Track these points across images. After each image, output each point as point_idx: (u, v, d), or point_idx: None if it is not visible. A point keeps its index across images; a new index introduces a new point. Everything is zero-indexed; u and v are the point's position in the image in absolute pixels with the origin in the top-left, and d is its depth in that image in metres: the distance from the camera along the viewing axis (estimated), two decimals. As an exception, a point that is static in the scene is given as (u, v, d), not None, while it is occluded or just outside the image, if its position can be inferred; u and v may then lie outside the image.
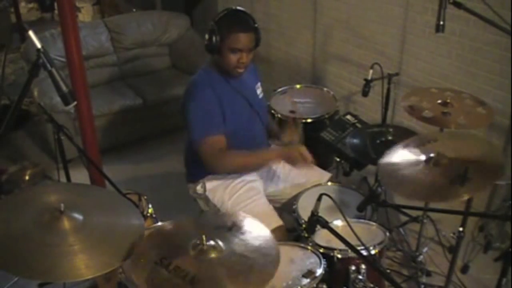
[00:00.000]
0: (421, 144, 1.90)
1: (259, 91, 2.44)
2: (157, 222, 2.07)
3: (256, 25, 2.18)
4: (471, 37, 2.89)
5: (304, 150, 2.21)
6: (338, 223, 1.96)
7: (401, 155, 1.86)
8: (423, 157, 1.79)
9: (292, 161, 2.23)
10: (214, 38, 2.13)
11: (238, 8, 2.22)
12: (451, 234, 2.68)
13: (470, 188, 1.63)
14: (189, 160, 2.41)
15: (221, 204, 2.30)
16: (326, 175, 2.51)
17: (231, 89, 2.25)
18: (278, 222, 2.22)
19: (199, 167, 2.28)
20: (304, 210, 2.18)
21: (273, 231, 1.89)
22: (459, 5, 1.94)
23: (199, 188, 2.35)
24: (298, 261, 1.83)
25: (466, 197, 1.69)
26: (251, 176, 2.38)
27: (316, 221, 1.67)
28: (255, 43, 2.18)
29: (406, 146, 1.91)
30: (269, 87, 3.43)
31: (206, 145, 2.14)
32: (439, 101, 2.33)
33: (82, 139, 2.75)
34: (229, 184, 2.32)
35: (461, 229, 2.16)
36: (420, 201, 1.73)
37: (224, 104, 2.19)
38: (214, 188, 2.33)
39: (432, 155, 1.78)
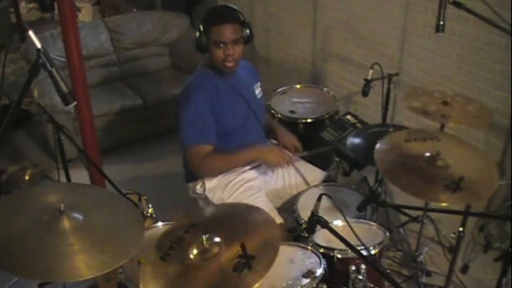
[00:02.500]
0: (423, 138, 1.94)
1: (257, 91, 2.44)
2: (157, 222, 2.07)
3: (241, 17, 2.17)
4: (471, 37, 2.89)
5: (282, 152, 2.31)
6: (338, 223, 1.96)
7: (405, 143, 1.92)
8: (424, 152, 1.82)
9: (269, 162, 2.31)
10: (201, 37, 2.15)
11: (222, 4, 2.22)
12: (451, 234, 2.67)
13: (461, 197, 1.65)
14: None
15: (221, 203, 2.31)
16: (322, 174, 2.51)
17: (227, 86, 2.26)
18: (278, 219, 2.22)
19: None
20: (304, 210, 2.18)
21: None
22: (459, 5, 1.94)
23: (198, 187, 2.35)
24: (298, 261, 1.83)
25: (455, 204, 1.71)
26: (251, 174, 2.38)
27: (316, 221, 1.67)
28: (240, 34, 2.16)
29: (410, 135, 1.96)
30: (269, 87, 3.43)
31: (192, 153, 2.22)
32: (439, 101, 2.32)
33: (82, 139, 2.74)
34: (228, 183, 2.33)
35: (461, 229, 2.15)
36: (414, 196, 1.73)
37: (218, 104, 2.20)
38: (213, 188, 2.33)
39: (432, 153, 1.80)
